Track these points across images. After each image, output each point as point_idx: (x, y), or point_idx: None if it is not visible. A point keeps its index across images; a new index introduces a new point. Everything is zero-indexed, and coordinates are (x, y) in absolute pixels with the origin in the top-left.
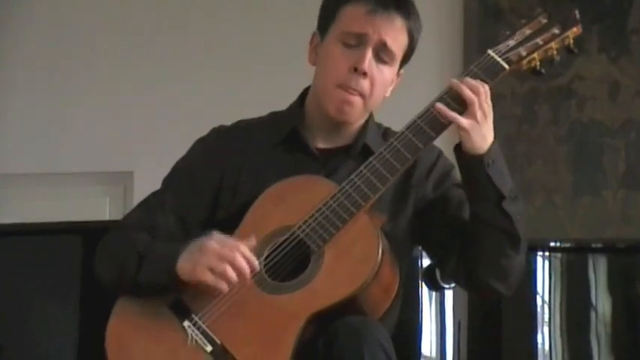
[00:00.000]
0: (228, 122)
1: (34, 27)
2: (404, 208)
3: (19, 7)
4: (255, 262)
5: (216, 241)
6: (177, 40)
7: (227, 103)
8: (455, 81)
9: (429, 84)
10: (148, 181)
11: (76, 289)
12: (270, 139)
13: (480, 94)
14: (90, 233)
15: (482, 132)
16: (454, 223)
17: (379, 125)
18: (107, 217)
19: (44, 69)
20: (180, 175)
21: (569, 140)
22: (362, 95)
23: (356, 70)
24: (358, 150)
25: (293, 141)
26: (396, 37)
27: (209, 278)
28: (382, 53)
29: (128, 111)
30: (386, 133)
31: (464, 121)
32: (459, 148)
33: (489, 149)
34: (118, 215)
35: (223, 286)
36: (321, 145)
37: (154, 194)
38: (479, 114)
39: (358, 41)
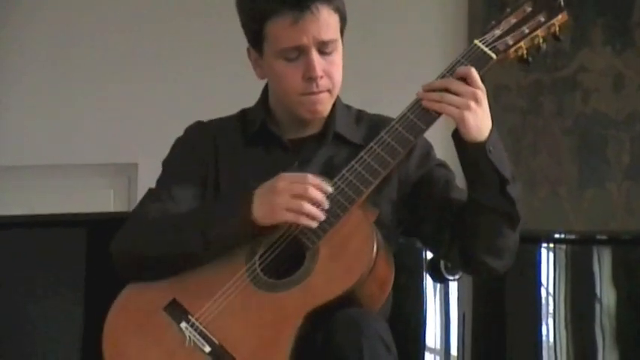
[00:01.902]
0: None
1: (38, 20)
2: (387, 191)
3: None
4: (327, 187)
5: (284, 179)
6: (180, 33)
7: (229, 97)
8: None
9: (432, 76)
10: (152, 173)
11: (80, 280)
12: (242, 136)
13: (473, 79)
14: (94, 225)
15: (477, 117)
16: (444, 205)
17: (349, 107)
18: (111, 209)
19: (49, 61)
20: (171, 171)
21: (574, 132)
22: (327, 90)
23: (310, 78)
24: (330, 139)
25: (263, 136)
26: (328, 28)
27: (289, 217)
28: (324, 48)
29: (132, 103)
30: (359, 116)
31: (454, 110)
32: (457, 136)
33: (489, 136)
34: (122, 207)
35: (306, 222)
36: (291, 136)
37: (152, 189)
38: (472, 102)
39: (298, 52)
